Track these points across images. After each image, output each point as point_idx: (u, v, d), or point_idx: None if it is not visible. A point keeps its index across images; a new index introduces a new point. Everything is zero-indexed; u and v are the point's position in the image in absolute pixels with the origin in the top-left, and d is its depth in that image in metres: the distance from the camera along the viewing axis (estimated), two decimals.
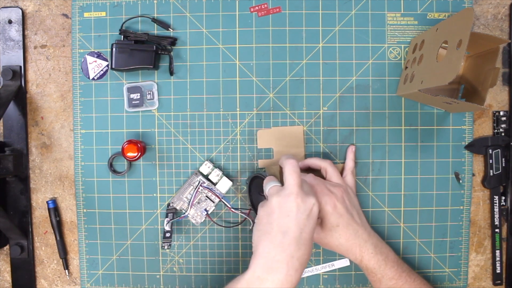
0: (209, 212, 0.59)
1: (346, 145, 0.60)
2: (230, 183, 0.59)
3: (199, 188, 0.59)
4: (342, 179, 0.56)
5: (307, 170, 0.58)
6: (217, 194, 0.59)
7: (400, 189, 0.60)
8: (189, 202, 0.59)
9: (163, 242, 0.58)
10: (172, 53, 0.60)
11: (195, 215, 0.59)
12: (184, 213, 0.59)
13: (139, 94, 0.60)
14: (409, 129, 0.60)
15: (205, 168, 0.59)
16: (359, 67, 0.60)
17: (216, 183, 0.60)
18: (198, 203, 0.59)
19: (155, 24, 0.60)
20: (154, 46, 0.58)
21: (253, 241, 0.47)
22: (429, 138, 0.60)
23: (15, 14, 0.61)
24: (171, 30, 0.60)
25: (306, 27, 0.60)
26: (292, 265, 0.43)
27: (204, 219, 0.60)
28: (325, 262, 0.61)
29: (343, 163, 0.60)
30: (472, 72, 0.57)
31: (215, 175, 0.59)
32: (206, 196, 0.59)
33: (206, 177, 0.60)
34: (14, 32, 0.61)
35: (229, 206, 0.60)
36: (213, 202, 0.59)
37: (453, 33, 0.46)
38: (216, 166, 0.60)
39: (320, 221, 0.53)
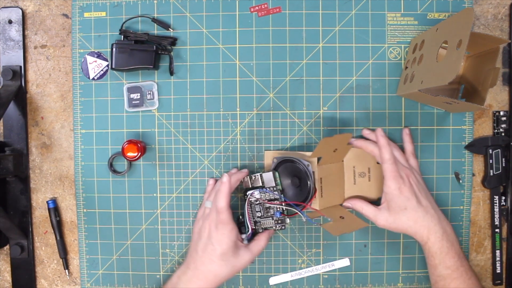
0: (282, 211, 0.54)
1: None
2: (270, 173, 0.54)
3: (250, 204, 0.55)
4: (407, 163, 0.56)
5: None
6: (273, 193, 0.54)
7: None
8: (250, 220, 0.55)
9: None
10: (172, 53, 0.60)
11: (274, 224, 0.54)
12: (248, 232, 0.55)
13: (139, 94, 0.60)
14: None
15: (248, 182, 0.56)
16: (359, 67, 0.60)
17: (263, 182, 0.55)
18: (267, 212, 0.54)
19: (155, 24, 0.60)
20: (154, 46, 0.58)
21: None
22: (429, 138, 0.60)
23: (15, 14, 0.61)
24: (171, 30, 0.60)
25: (306, 27, 0.60)
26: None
27: (285, 221, 0.54)
28: (325, 262, 0.61)
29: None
30: (472, 72, 0.57)
31: (257, 181, 0.55)
32: (265, 204, 0.54)
33: (252, 188, 0.55)
34: (14, 32, 0.61)
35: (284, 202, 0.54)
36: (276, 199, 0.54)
37: (453, 33, 0.46)
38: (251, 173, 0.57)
39: (387, 205, 0.53)
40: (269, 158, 0.59)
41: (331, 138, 0.51)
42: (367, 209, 0.55)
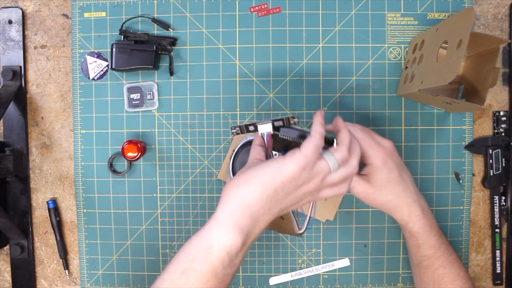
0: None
1: None
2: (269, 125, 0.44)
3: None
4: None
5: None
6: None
7: None
8: None
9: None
10: (172, 53, 0.60)
11: None
12: None
13: (139, 94, 0.60)
14: (409, 129, 0.60)
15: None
16: (359, 67, 0.60)
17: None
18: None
19: (155, 24, 0.60)
20: (154, 46, 0.58)
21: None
22: (429, 138, 0.60)
23: (15, 14, 0.61)
24: (171, 30, 0.60)
25: (306, 27, 0.60)
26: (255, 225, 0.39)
27: None
28: (325, 262, 0.61)
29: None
30: (472, 72, 0.57)
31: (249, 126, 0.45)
32: None
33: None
34: (14, 32, 0.61)
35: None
36: None
37: (453, 33, 0.46)
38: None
39: (368, 177, 0.49)
40: (238, 139, 0.58)
41: None
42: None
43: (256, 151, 0.44)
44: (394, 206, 0.49)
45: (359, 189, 0.49)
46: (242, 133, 0.45)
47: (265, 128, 0.43)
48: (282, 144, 0.44)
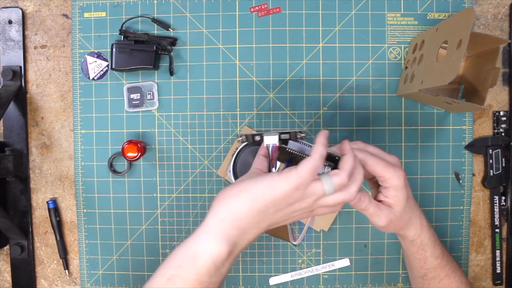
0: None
1: None
2: (275, 137, 0.44)
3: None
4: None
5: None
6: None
7: None
8: None
9: None
10: (172, 53, 0.60)
11: None
12: None
13: (139, 94, 0.60)
14: (409, 129, 0.60)
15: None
16: (359, 67, 0.60)
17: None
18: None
19: (155, 24, 0.60)
20: (154, 46, 0.58)
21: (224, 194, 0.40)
22: (429, 138, 0.60)
23: (15, 14, 0.61)
24: (171, 30, 0.60)
25: (306, 27, 0.60)
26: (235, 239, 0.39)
27: None
28: (325, 262, 0.61)
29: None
30: (472, 72, 0.57)
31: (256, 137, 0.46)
32: None
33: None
34: (14, 32, 0.61)
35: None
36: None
37: (453, 33, 0.46)
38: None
39: (389, 201, 0.44)
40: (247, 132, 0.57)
41: None
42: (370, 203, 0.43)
43: (259, 161, 0.45)
44: (409, 221, 0.46)
45: (384, 220, 0.44)
46: (248, 141, 0.46)
47: (271, 140, 0.43)
48: (287, 156, 0.44)
